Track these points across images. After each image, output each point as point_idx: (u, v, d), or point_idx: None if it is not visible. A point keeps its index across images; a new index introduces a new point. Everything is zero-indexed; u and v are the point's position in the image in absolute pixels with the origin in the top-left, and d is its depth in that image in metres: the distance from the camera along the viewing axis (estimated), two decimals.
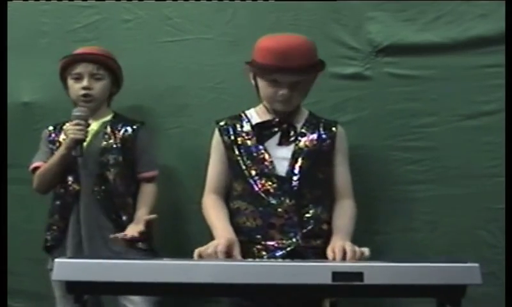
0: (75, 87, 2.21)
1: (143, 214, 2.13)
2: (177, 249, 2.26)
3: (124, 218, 2.15)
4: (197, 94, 2.39)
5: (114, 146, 2.19)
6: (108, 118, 2.25)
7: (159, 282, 1.32)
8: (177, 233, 2.31)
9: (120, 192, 2.16)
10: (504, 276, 1.85)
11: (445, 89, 2.21)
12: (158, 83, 2.28)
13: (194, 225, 2.23)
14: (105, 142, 2.19)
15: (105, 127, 2.22)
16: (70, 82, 2.22)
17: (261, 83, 1.94)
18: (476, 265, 1.36)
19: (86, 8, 2.49)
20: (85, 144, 2.14)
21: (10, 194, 2.25)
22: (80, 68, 2.20)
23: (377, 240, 2.23)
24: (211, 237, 1.86)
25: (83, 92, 2.19)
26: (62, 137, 2.22)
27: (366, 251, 1.74)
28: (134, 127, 2.23)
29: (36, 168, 2.21)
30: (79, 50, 2.25)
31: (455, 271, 1.37)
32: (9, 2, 2.43)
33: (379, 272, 1.36)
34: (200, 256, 1.71)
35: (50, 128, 2.28)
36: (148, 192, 2.21)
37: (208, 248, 1.72)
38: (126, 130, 2.22)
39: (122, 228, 2.12)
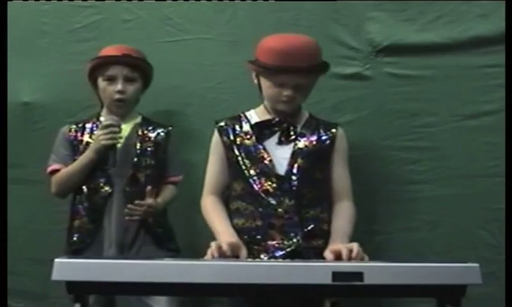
0: (109, 90, 2.15)
1: (159, 201, 2.15)
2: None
3: (151, 220, 2.13)
4: (197, 94, 2.39)
5: (148, 149, 2.18)
6: (138, 120, 2.23)
7: (159, 282, 1.32)
8: (178, 232, 2.30)
9: (147, 194, 2.12)
10: (503, 276, 1.85)
11: (445, 89, 2.22)
12: (158, 83, 2.27)
13: (194, 225, 2.23)
14: (139, 145, 2.17)
15: (137, 130, 2.20)
16: (102, 83, 2.16)
17: (265, 83, 1.94)
18: (476, 265, 1.36)
19: (86, 8, 2.49)
20: (119, 145, 2.12)
21: (10, 194, 2.25)
22: (114, 70, 2.14)
23: (377, 240, 2.23)
24: (212, 238, 1.86)
25: (118, 96, 2.14)
26: (86, 137, 2.17)
27: (365, 257, 1.74)
28: (167, 130, 2.23)
29: (53, 171, 2.16)
30: (111, 50, 2.18)
31: (455, 271, 1.37)
32: (9, 2, 2.43)
33: (379, 272, 1.36)
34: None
35: (73, 126, 2.21)
36: (170, 190, 2.22)
37: (212, 250, 1.72)
38: (159, 134, 2.21)
39: (151, 230, 2.13)
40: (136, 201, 2.08)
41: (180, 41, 2.42)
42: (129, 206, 2.07)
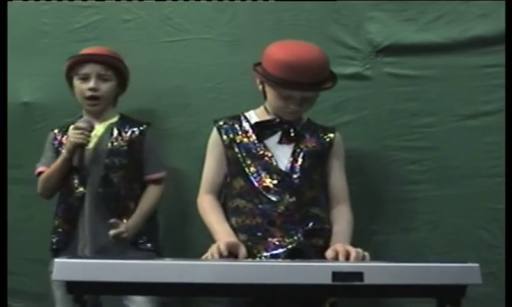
0: (82, 88, 2.18)
1: (141, 210, 2.15)
2: (177, 249, 2.26)
3: (125, 221, 2.13)
4: (197, 94, 2.39)
5: (121, 148, 2.17)
6: (114, 119, 2.24)
7: (159, 282, 1.32)
8: (177, 233, 2.30)
9: (122, 195, 2.15)
10: (503, 276, 1.85)
11: (445, 89, 2.22)
12: (158, 83, 2.28)
13: (194, 225, 2.23)
14: (111, 145, 2.17)
15: (112, 129, 2.20)
16: (77, 82, 2.20)
17: (270, 92, 1.94)
18: (476, 265, 1.36)
19: (86, 8, 2.49)
20: (91, 146, 2.14)
21: (10, 194, 2.25)
22: (87, 69, 2.17)
23: (377, 240, 2.23)
24: (211, 238, 1.86)
25: (90, 93, 2.17)
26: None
27: (366, 255, 1.74)
28: (141, 128, 2.21)
29: (40, 173, 2.20)
30: (87, 50, 2.23)
31: (455, 271, 1.37)
32: (9, 2, 2.43)
33: (379, 272, 1.36)
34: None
35: (56, 130, 2.25)
36: (151, 194, 2.20)
37: (213, 251, 1.72)
38: (133, 132, 2.20)
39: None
40: (112, 232, 2.08)
41: (180, 41, 2.42)
42: (110, 233, 2.08)
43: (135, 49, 2.41)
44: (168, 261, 1.37)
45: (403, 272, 1.36)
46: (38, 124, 2.44)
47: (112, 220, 2.09)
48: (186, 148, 2.35)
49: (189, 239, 2.27)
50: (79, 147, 2.10)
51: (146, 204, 2.18)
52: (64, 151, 2.13)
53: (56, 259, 1.32)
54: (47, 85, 2.46)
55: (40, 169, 2.21)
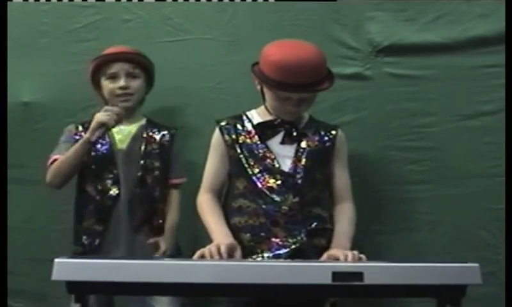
0: (112, 87, 2.15)
1: (173, 222, 2.18)
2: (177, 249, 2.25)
3: (155, 222, 2.15)
4: (197, 94, 2.39)
5: (154, 151, 2.18)
6: (143, 122, 2.23)
7: (159, 282, 1.32)
8: (178, 233, 2.30)
9: (154, 197, 2.15)
10: (503, 276, 1.85)
11: (445, 89, 2.22)
12: (158, 83, 2.27)
13: (195, 225, 2.23)
14: (145, 146, 2.17)
15: (142, 131, 2.20)
16: (105, 82, 2.17)
17: (268, 93, 1.94)
18: (476, 265, 1.36)
19: (86, 8, 2.49)
20: (123, 147, 2.15)
21: (10, 194, 2.24)
22: (115, 68, 2.15)
23: (377, 240, 2.23)
24: (209, 237, 1.86)
25: (121, 92, 2.15)
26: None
27: (363, 258, 1.74)
28: (172, 132, 2.23)
29: (53, 162, 2.13)
30: (111, 50, 2.20)
31: (455, 271, 1.37)
32: (9, 2, 2.43)
33: (379, 272, 1.36)
34: (202, 257, 1.72)
35: (79, 125, 2.20)
36: (176, 198, 2.22)
37: (210, 249, 1.72)
38: (164, 136, 2.21)
39: (156, 232, 2.14)
40: (157, 255, 2.10)
41: (180, 41, 2.42)
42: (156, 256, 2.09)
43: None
44: (168, 261, 1.37)
45: (403, 272, 1.36)
46: (38, 124, 2.43)
47: (151, 241, 2.10)
48: (186, 148, 2.34)
49: (188, 239, 2.27)
50: (103, 127, 2.06)
51: (174, 215, 2.20)
52: (85, 135, 2.08)
53: (56, 260, 1.32)
54: (47, 85, 2.45)
55: (55, 156, 2.13)
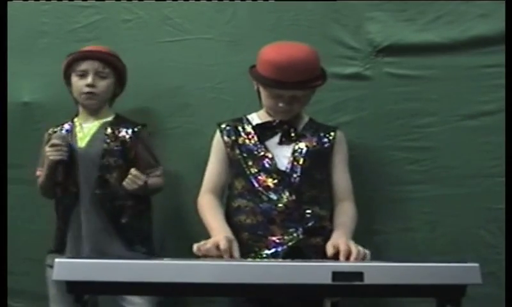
0: (79, 84, 2.18)
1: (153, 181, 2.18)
2: (177, 249, 2.25)
3: (123, 221, 2.14)
4: (197, 94, 2.39)
5: (115, 148, 2.17)
6: (109, 118, 2.23)
7: (159, 282, 1.32)
8: (177, 233, 2.30)
9: (120, 195, 2.14)
10: (503, 276, 1.85)
11: (445, 89, 2.22)
12: (158, 83, 2.27)
13: (195, 225, 2.23)
14: (105, 145, 2.16)
15: (106, 128, 2.20)
16: (74, 79, 2.19)
17: (263, 92, 1.97)
18: (476, 265, 1.36)
19: (86, 8, 2.49)
20: (83, 145, 2.15)
21: (10, 194, 2.25)
22: (85, 65, 2.17)
23: (377, 240, 2.23)
24: (208, 237, 1.86)
25: (87, 89, 2.17)
26: None
27: (367, 253, 1.74)
28: (135, 129, 2.20)
29: (39, 175, 2.22)
30: (85, 48, 2.23)
31: (455, 271, 1.37)
32: (9, 2, 2.43)
33: (379, 272, 1.36)
34: (199, 251, 1.72)
35: (50, 131, 2.25)
36: (155, 179, 2.21)
37: (207, 243, 1.73)
38: (126, 132, 2.19)
39: (121, 230, 2.13)
40: (134, 171, 2.08)
41: (180, 41, 2.42)
42: (131, 176, 2.08)
43: (135, 49, 2.41)
44: (167, 261, 1.37)
45: (403, 272, 1.36)
46: (38, 124, 2.43)
47: (133, 172, 2.09)
48: (186, 148, 2.35)
49: (189, 239, 2.26)
50: (59, 163, 2.11)
51: (153, 181, 2.19)
52: (45, 169, 2.15)
53: (56, 260, 1.32)
54: (47, 85, 2.45)
55: (37, 172, 2.23)
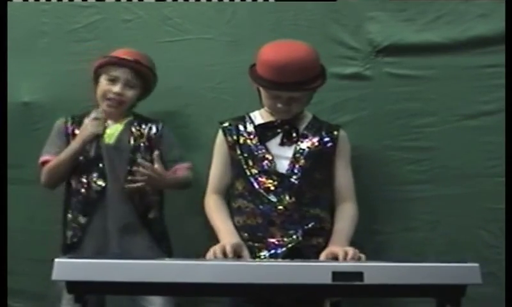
0: (107, 89, 2.17)
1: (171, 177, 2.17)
2: (178, 249, 2.25)
3: (151, 216, 2.16)
4: (197, 94, 2.39)
5: (142, 144, 2.19)
6: (130, 118, 2.25)
7: (159, 282, 1.32)
8: (177, 233, 2.30)
9: (147, 190, 2.15)
10: (503, 276, 1.85)
11: (445, 89, 2.22)
12: (158, 83, 2.27)
13: (195, 225, 2.23)
14: (134, 141, 2.19)
15: (131, 126, 2.22)
16: (104, 81, 2.19)
17: (262, 93, 1.97)
18: (476, 265, 1.36)
19: (86, 8, 2.49)
20: (112, 142, 2.17)
21: (10, 194, 2.24)
22: (118, 72, 2.17)
23: (377, 240, 2.23)
24: (213, 237, 1.87)
25: (113, 96, 2.17)
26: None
27: (363, 257, 1.75)
28: (159, 126, 2.23)
29: (45, 162, 2.18)
30: (120, 53, 2.21)
31: (455, 271, 1.37)
32: (9, 2, 2.43)
33: (379, 272, 1.36)
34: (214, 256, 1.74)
35: (68, 119, 2.24)
36: (182, 171, 2.21)
37: (216, 251, 1.74)
38: (151, 128, 2.22)
39: (149, 225, 2.15)
40: (139, 160, 2.09)
41: (180, 41, 2.42)
42: (133, 168, 2.08)
43: (135, 49, 2.40)
44: (168, 261, 1.37)
45: (403, 272, 1.36)
46: (38, 124, 2.43)
47: (156, 152, 2.10)
48: (186, 148, 2.34)
49: (190, 239, 2.27)
50: (96, 137, 2.13)
51: (179, 175, 2.19)
52: (76, 142, 2.14)
53: (56, 260, 1.32)
54: (47, 85, 2.45)
55: (45, 157, 2.19)
